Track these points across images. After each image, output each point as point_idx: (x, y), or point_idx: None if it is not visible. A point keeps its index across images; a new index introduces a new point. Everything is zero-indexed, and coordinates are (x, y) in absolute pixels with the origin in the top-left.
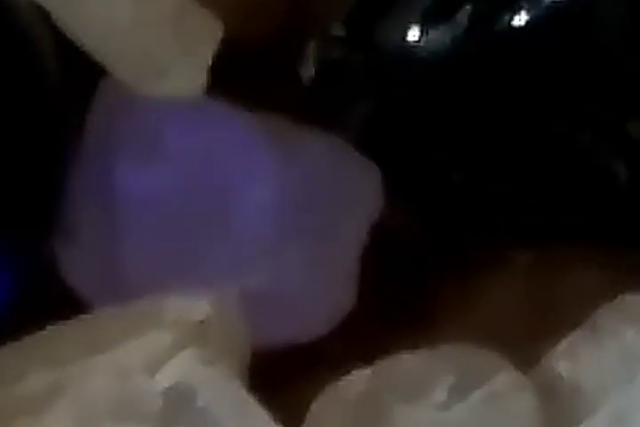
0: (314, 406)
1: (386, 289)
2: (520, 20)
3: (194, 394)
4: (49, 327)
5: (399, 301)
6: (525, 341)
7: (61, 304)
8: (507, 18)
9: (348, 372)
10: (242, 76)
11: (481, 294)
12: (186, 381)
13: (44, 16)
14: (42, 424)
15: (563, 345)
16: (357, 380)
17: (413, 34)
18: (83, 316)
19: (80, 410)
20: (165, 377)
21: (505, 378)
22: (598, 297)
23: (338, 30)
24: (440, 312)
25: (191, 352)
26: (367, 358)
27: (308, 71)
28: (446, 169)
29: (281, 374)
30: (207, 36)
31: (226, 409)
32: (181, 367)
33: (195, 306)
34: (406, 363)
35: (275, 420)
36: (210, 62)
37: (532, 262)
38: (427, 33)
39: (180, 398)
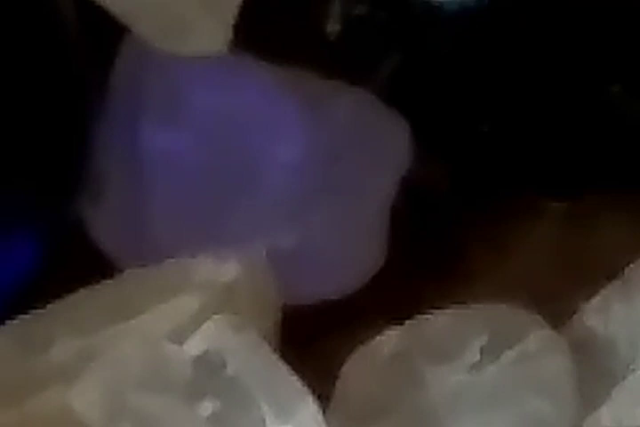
0: (345, 368)
1: (416, 244)
2: None
3: (223, 362)
4: (77, 292)
5: (430, 256)
6: (558, 293)
7: (90, 266)
8: None
9: (380, 329)
10: (267, 32)
11: (512, 247)
12: (215, 349)
13: None
14: (72, 391)
15: (596, 300)
16: (388, 340)
17: None
18: (111, 280)
19: (109, 378)
20: (194, 345)
21: (538, 337)
22: (630, 247)
23: None
24: (471, 266)
25: (220, 318)
26: (398, 315)
27: (334, 27)
28: (475, 121)
29: (312, 332)
30: None
31: (255, 378)
32: (210, 335)
33: (224, 267)
34: (438, 323)
35: (305, 384)
36: (234, 18)
37: (563, 214)
38: None
39: (209, 366)
